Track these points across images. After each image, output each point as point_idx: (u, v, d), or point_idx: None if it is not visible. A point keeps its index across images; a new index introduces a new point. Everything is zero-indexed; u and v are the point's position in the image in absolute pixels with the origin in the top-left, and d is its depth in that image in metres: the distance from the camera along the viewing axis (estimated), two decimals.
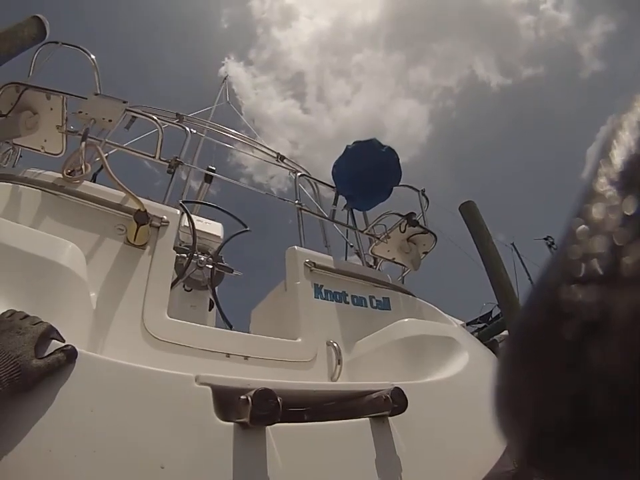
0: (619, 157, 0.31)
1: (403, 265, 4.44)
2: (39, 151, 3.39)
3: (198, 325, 2.75)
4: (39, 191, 2.59)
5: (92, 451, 1.29)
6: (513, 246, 21.50)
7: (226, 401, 1.57)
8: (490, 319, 17.75)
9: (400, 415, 1.89)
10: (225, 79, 11.12)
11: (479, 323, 17.06)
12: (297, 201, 4.17)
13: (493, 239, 9.97)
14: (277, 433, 1.59)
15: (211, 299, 4.60)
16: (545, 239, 21.64)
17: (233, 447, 1.49)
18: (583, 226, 0.30)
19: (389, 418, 1.91)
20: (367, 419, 1.89)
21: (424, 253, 4.40)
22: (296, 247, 3.40)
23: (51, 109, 3.22)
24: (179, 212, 3.00)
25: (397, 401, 1.84)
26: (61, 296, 1.88)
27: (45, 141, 3.36)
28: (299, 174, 4.74)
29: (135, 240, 2.65)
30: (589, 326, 0.26)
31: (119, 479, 1.30)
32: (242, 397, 1.51)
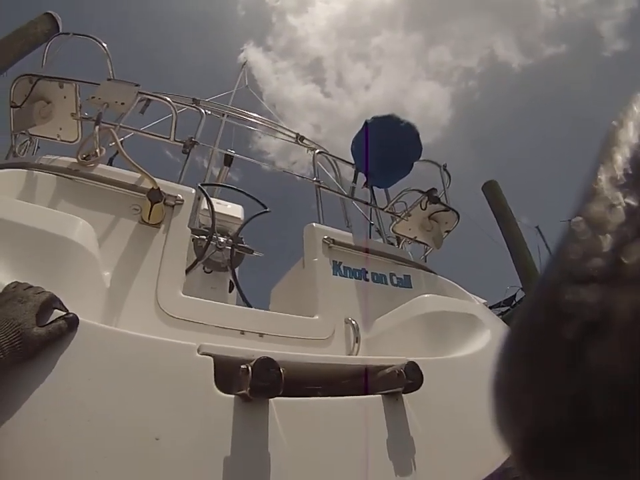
0: (620, 155, 0.31)
1: (425, 244, 4.32)
2: (55, 139, 3.43)
3: (212, 301, 2.71)
4: (54, 175, 2.60)
5: (86, 420, 1.26)
6: (538, 229, 21.25)
7: (229, 372, 1.49)
8: (514, 302, 17.64)
9: (415, 393, 1.79)
10: (244, 64, 10.89)
11: (503, 306, 16.93)
12: (315, 179, 4.08)
13: (516, 221, 9.85)
14: (280, 406, 1.51)
15: (231, 281, 4.52)
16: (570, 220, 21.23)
17: (233, 420, 1.42)
18: (584, 225, 0.30)
19: (403, 395, 1.81)
20: (379, 396, 1.79)
21: (446, 231, 4.26)
22: (314, 223, 3.32)
23: (65, 97, 3.25)
24: (194, 191, 2.96)
25: (411, 377, 1.73)
26: (70, 271, 1.84)
27: (60, 129, 3.39)
28: (317, 151, 4.63)
29: (149, 219, 2.63)
30: (590, 326, 0.26)
31: (110, 449, 1.25)
32: (242, 366, 1.41)
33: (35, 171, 2.56)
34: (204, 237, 3.84)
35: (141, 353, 1.46)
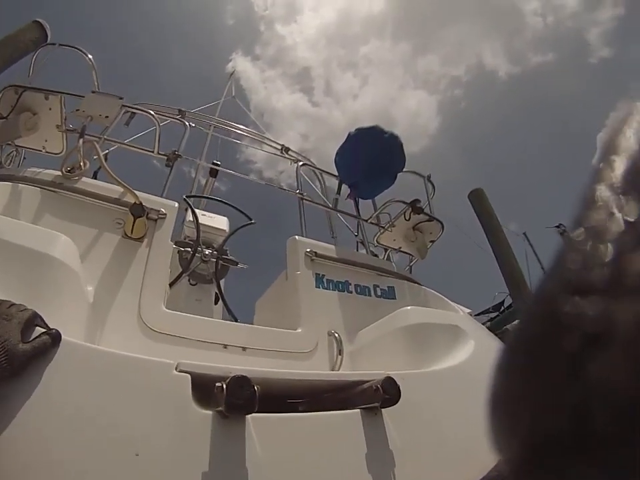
0: (619, 164, 0.30)
1: (410, 254, 4.34)
2: (41, 151, 3.42)
3: (195, 316, 2.71)
4: (38, 189, 2.61)
5: (68, 436, 1.28)
6: (525, 235, 21.34)
7: (206, 389, 1.50)
8: (502, 308, 17.73)
9: (394, 407, 1.79)
10: (232, 74, 10.91)
11: (491, 312, 17.01)
12: (297, 191, 4.10)
13: (503, 228, 9.93)
14: (258, 422, 1.52)
15: (216, 293, 4.49)
16: (557, 226, 21.32)
17: (211, 436, 1.44)
18: (583, 234, 0.30)
19: (382, 410, 1.81)
20: (358, 410, 1.80)
21: (430, 241, 4.29)
22: (297, 236, 3.34)
23: (50, 109, 3.25)
24: (176, 204, 2.98)
25: (388, 392, 1.74)
26: (52, 288, 1.84)
27: (46, 140, 3.38)
28: (300, 163, 4.66)
29: (132, 233, 2.65)
30: (590, 338, 0.26)
31: (91, 465, 1.27)
32: (217, 384, 1.43)
33: (19, 184, 2.56)
34: (189, 249, 3.86)
35: (120, 370, 1.47)
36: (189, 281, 4.52)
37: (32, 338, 1.35)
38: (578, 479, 0.26)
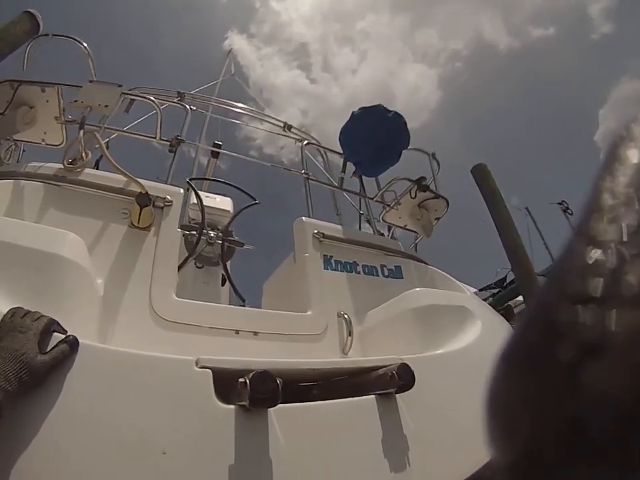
0: (622, 172, 0.30)
1: (415, 232, 4.35)
2: (40, 143, 3.38)
3: (206, 303, 2.72)
4: (41, 183, 2.59)
5: (96, 440, 1.30)
6: (527, 210, 21.24)
7: (227, 383, 1.52)
8: (504, 284, 17.75)
9: (408, 392, 1.83)
10: (230, 52, 10.77)
11: (494, 288, 17.03)
12: (303, 171, 4.08)
13: (506, 203, 9.87)
14: (280, 414, 1.55)
15: (223, 275, 4.51)
16: (560, 203, 21.25)
17: (235, 430, 1.46)
18: (584, 242, 0.29)
19: (396, 395, 1.84)
20: (373, 396, 1.82)
21: (436, 218, 4.30)
22: (304, 217, 3.33)
23: (47, 101, 3.22)
24: (182, 190, 2.95)
25: (403, 378, 1.77)
26: (64, 288, 1.84)
27: (45, 133, 3.35)
28: (305, 142, 4.63)
29: (139, 222, 2.64)
30: (588, 347, 0.25)
31: (122, 468, 1.29)
32: (241, 379, 1.45)
33: (21, 180, 2.55)
34: (194, 233, 3.85)
35: (140, 371, 1.48)
36: (195, 264, 4.54)
37: (50, 347, 1.35)
38: None
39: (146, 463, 1.31)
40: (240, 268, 5.19)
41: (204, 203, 3.77)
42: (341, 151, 4.60)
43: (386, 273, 3.42)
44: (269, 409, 1.51)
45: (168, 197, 2.78)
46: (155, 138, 3.47)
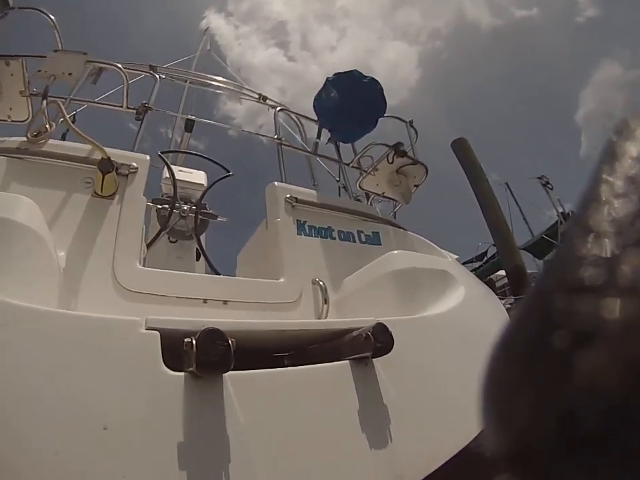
0: (620, 165, 0.31)
1: (394, 200, 4.20)
2: (6, 120, 3.26)
3: (172, 271, 2.57)
4: (4, 158, 2.43)
5: (26, 415, 1.14)
6: (507, 185, 21.23)
7: (179, 347, 1.31)
8: (485, 258, 17.80)
9: (386, 356, 1.64)
10: (207, 30, 10.49)
11: (475, 262, 17.07)
12: (276, 136, 3.90)
13: (487, 177, 9.81)
14: (237, 381, 1.36)
15: (197, 249, 4.41)
16: (539, 177, 21.19)
17: (184, 401, 1.27)
18: (580, 233, 0.30)
19: (373, 360, 1.66)
20: (347, 362, 1.64)
21: (415, 185, 4.15)
22: (276, 182, 3.14)
23: (12, 75, 3.09)
24: (148, 157, 2.78)
25: (380, 339, 1.57)
26: (16, 255, 1.68)
27: (11, 109, 3.23)
28: (278, 108, 4.45)
29: (102, 191, 2.48)
30: (581, 336, 0.26)
31: (55, 445, 1.12)
32: (186, 340, 1.23)
33: None
34: (167, 206, 3.75)
35: (81, 333, 1.30)
36: (168, 238, 4.44)
37: None
38: (564, 478, 0.25)
39: (84, 440, 1.15)
40: (216, 243, 5.03)
41: (177, 177, 3.66)
42: (316, 118, 4.40)
43: (363, 239, 3.25)
44: (224, 376, 1.32)
45: (133, 163, 2.62)
46: (121, 107, 3.35)
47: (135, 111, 3.32)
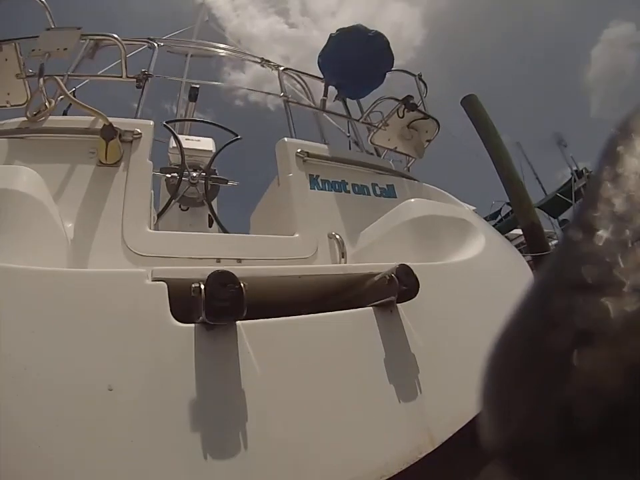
0: (621, 165, 0.30)
1: (406, 155, 4.02)
2: (6, 106, 3.10)
3: (182, 232, 2.54)
4: (5, 139, 2.38)
5: (32, 382, 1.04)
6: (519, 145, 20.89)
7: (187, 298, 1.19)
8: (499, 217, 17.57)
9: (411, 302, 1.51)
10: (202, 2, 10.27)
11: (489, 220, 16.93)
12: (282, 94, 3.77)
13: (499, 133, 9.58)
14: (252, 331, 1.24)
15: (209, 215, 4.30)
16: (553, 135, 20.83)
17: (195, 354, 1.16)
18: (582, 231, 0.29)
19: (398, 305, 1.54)
20: (370, 308, 1.52)
21: (427, 140, 3.97)
22: (286, 138, 3.00)
23: (6, 60, 2.96)
24: (151, 123, 2.69)
25: (405, 282, 1.44)
26: (19, 223, 1.59)
27: (8, 94, 3.07)
28: (282, 68, 4.28)
29: (106, 159, 2.40)
30: (580, 335, 0.25)
31: (57, 409, 1.03)
32: (194, 285, 1.11)
33: None
34: (175, 175, 3.69)
35: (82, 290, 1.20)
36: (179, 207, 4.38)
37: None
38: (562, 476, 0.25)
39: (89, 404, 1.05)
40: (228, 209, 4.93)
41: (185, 146, 3.59)
42: (321, 76, 4.24)
43: (378, 192, 3.12)
44: (237, 324, 1.20)
45: (137, 129, 2.53)
46: (121, 77, 3.24)
47: (135, 80, 3.22)
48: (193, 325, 1.19)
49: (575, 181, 16.70)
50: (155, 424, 1.07)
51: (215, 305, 1.08)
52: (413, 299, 1.49)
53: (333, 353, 1.35)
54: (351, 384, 1.33)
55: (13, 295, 1.13)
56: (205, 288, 1.08)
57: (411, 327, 1.52)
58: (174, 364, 1.14)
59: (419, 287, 1.46)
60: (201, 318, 1.11)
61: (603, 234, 0.27)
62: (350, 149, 4.30)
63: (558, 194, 17.26)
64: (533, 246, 9.53)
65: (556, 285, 0.28)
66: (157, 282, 1.24)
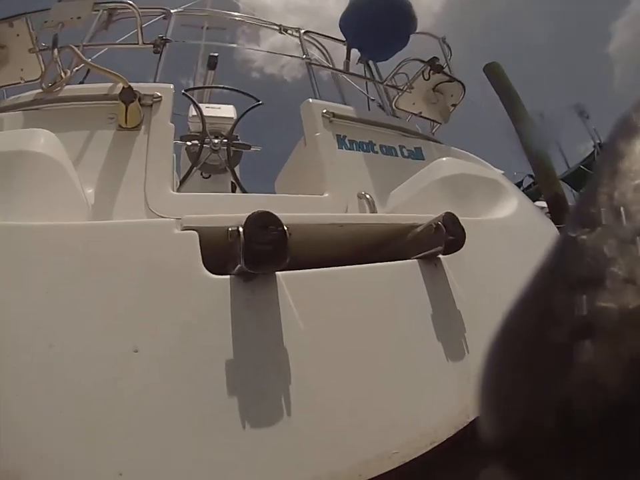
0: (621, 161, 0.30)
1: (431, 120, 3.90)
2: (19, 83, 3.04)
3: (207, 193, 2.51)
4: (20, 112, 2.32)
5: (48, 345, 0.97)
6: (542, 115, 20.58)
7: (221, 249, 1.10)
8: (521, 188, 17.40)
9: (455, 255, 1.42)
10: None
11: None
12: (304, 56, 3.67)
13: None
14: (293, 281, 1.14)
15: (232, 182, 4.19)
16: (575, 106, 20.51)
17: (231, 309, 1.06)
18: (580, 226, 0.29)
19: (442, 259, 1.45)
20: (415, 261, 1.43)
21: (452, 105, 3.84)
22: (310, 99, 2.88)
23: (18, 35, 2.90)
24: (172, 86, 2.59)
25: (452, 231, 1.32)
26: (34, 183, 1.50)
27: (22, 70, 3.00)
28: (303, 31, 4.14)
29: (126, 123, 2.30)
30: (579, 330, 0.25)
31: (81, 374, 0.96)
32: (231, 228, 1.00)
33: None
34: (196, 142, 3.62)
35: (102, 243, 1.11)
36: (201, 174, 4.30)
37: None
38: (559, 474, 0.25)
39: (110, 367, 0.97)
40: (249, 175, 4.84)
41: (205, 113, 3.45)
42: (343, 40, 4.09)
43: (405, 154, 3.00)
44: (277, 274, 1.10)
45: (157, 93, 2.43)
46: (137, 44, 3.16)
47: (152, 45, 3.12)
48: (228, 276, 1.10)
49: (597, 153, 16.45)
50: (186, 388, 0.99)
51: (255, 249, 0.98)
52: (457, 253, 1.40)
53: (378, 307, 1.27)
54: (397, 341, 1.25)
55: (26, 253, 1.05)
56: (243, 231, 0.98)
57: (455, 282, 1.44)
58: (207, 320, 1.06)
59: (465, 237, 1.37)
60: (237, 267, 1.01)
61: (602, 229, 0.27)
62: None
63: (581, 166, 17.03)
64: (557, 217, 9.38)
65: (556, 280, 0.28)
66: (187, 231, 1.15)
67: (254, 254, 0.98)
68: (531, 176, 13.19)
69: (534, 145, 9.22)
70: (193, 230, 1.16)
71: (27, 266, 1.04)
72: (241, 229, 0.99)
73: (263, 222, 0.99)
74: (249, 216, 1.01)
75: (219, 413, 1.01)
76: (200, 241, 1.14)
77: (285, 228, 1.00)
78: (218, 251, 1.10)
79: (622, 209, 0.27)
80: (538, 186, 11.51)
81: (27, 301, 1.01)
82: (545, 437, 0.25)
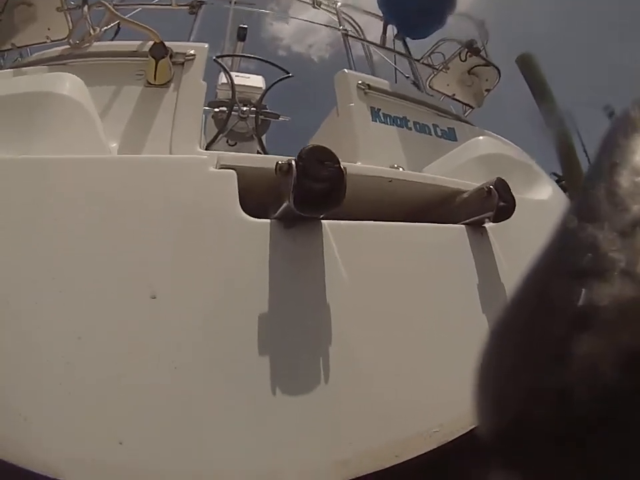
0: (620, 154, 0.28)
1: (464, 104, 3.84)
2: (46, 42, 2.96)
3: (236, 153, 2.39)
4: (45, 66, 2.25)
5: (58, 291, 0.91)
6: (569, 114, 20.44)
7: (260, 193, 1.03)
8: None
9: (502, 226, 1.36)
10: None
11: None
12: (341, 27, 3.69)
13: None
14: (339, 232, 1.05)
15: (258, 150, 4.03)
16: (605, 108, 20.37)
17: (270, 257, 0.97)
18: (578, 218, 0.28)
19: (488, 227, 1.40)
20: (462, 226, 1.36)
21: (486, 90, 3.78)
22: (346, 70, 2.82)
23: None
24: (206, 45, 2.51)
25: (504, 197, 1.24)
26: (56, 124, 1.46)
27: (49, 29, 2.91)
28: (339, 4, 4.14)
29: (155, 79, 2.22)
30: (578, 320, 0.24)
31: (94, 315, 0.92)
32: (281, 162, 0.90)
33: (22, 69, 2.20)
34: (224, 109, 3.53)
35: (128, 179, 1.04)
36: (227, 142, 4.20)
37: None
38: (553, 469, 0.24)
39: (129, 310, 0.91)
40: (276, 144, 4.82)
41: (235, 82, 3.39)
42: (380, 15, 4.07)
43: (439, 133, 2.93)
44: (324, 223, 1.02)
45: (190, 51, 2.35)
46: (171, 5, 3.19)
47: (187, 6, 3.14)
48: (268, 220, 1.02)
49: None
50: (215, 345, 0.92)
51: (308, 186, 0.87)
52: (503, 225, 1.34)
53: (426, 270, 1.21)
54: (443, 309, 1.19)
55: (44, 190, 0.99)
56: (296, 164, 0.88)
57: (500, 254, 1.37)
58: (242, 267, 0.97)
59: (515, 205, 1.29)
60: (282, 209, 0.92)
61: (601, 220, 0.26)
62: None
63: None
64: None
65: (554, 271, 0.27)
66: (224, 170, 1.06)
67: (307, 191, 0.88)
68: (554, 174, 13.15)
69: (562, 140, 9.14)
70: (231, 169, 1.07)
71: (48, 202, 0.98)
72: (293, 162, 0.89)
73: (319, 156, 0.88)
74: (302, 148, 0.90)
75: (250, 375, 0.93)
76: (238, 181, 1.06)
77: (342, 166, 0.90)
78: (258, 196, 1.02)
79: (620, 201, 0.26)
80: (563, 183, 11.52)
81: (47, 240, 0.95)
82: (544, 429, 0.24)
